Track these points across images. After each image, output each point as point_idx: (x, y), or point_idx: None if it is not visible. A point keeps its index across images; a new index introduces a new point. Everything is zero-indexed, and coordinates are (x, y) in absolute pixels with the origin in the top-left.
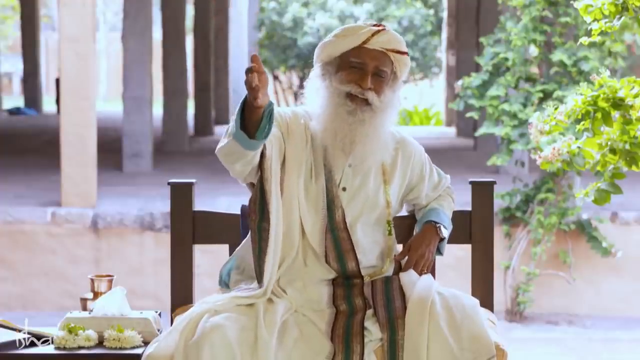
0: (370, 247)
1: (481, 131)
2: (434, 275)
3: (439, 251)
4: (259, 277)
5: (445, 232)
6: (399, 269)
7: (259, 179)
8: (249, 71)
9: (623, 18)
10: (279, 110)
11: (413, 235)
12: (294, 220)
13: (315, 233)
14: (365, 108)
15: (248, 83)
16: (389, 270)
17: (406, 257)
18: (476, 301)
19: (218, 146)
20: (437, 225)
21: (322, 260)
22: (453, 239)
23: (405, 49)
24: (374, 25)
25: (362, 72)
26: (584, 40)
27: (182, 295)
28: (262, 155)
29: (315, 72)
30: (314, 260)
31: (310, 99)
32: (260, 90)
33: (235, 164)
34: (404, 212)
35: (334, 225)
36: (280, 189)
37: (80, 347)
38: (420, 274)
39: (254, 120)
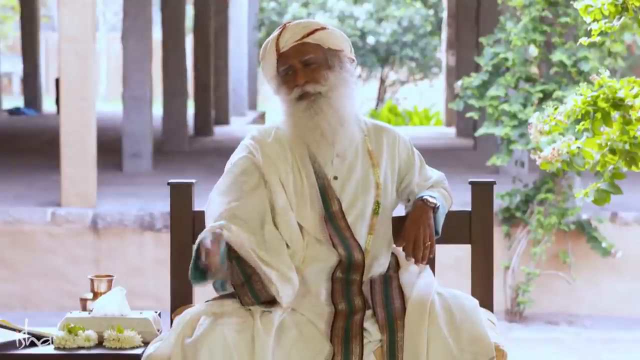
0: (360, 227)
1: (481, 131)
2: (433, 272)
3: (436, 230)
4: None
5: (436, 201)
6: (396, 264)
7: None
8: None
9: (623, 18)
10: (243, 143)
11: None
12: (293, 227)
13: (315, 225)
14: (314, 98)
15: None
16: (375, 256)
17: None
18: (476, 302)
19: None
20: (424, 197)
21: (325, 245)
22: (453, 239)
23: (315, 27)
24: (277, 30)
25: (293, 74)
26: (584, 40)
27: (182, 295)
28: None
29: (272, 90)
30: (315, 246)
31: (277, 110)
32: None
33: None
34: (402, 213)
35: (332, 215)
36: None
37: (80, 348)
38: (424, 251)
39: None
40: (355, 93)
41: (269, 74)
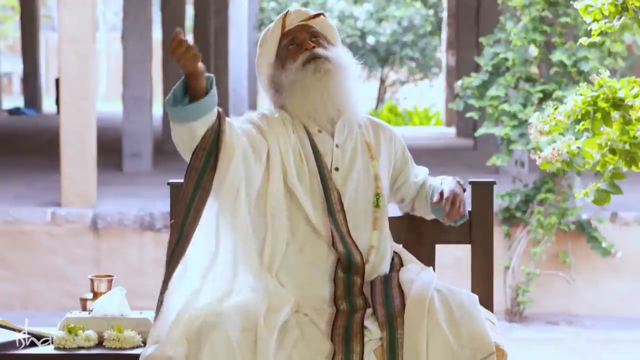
0: (364, 223)
1: (481, 131)
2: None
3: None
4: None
5: (463, 182)
6: (399, 264)
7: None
8: (179, 45)
9: (623, 18)
10: (249, 114)
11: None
12: (281, 212)
13: (318, 215)
14: (323, 61)
15: (187, 53)
16: (382, 253)
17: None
18: (475, 297)
19: (175, 141)
20: (455, 179)
21: (324, 243)
22: (453, 239)
23: (316, 13)
24: (281, 15)
25: (300, 44)
26: (584, 40)
27: None
28: (220, 130)
29: (267, 90)
30: (314, 245)
31: (276, 99)
32: (197, 56)
33: (192, 146)
34: (399, 213)
35: (332, 207)
36: (265, 185)
37: (80, 348)
38: (457, 211)
39: (199, 95)
40: (356, 73)
41: (266, 58)
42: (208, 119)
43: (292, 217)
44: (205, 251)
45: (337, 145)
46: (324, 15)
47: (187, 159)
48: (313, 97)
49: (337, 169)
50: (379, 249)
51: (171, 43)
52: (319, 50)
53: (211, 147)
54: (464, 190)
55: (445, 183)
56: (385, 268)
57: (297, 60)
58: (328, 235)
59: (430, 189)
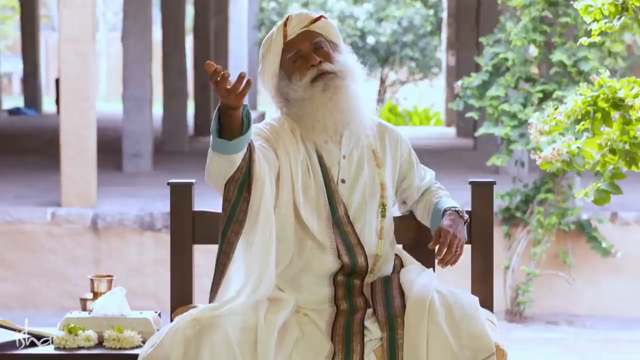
0: (369, 233)
1: (481, 131)
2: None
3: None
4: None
5: (466, 216)
6: (400, 266)
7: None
8: (216, 77)
9: (623, 18)
10: (257, 126)
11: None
12: (288, 227)
13: (322, 229)
14: (331, 76)
15: (224, 88)
16: (387, 259)
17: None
18: (475, 298)
19: (206, 174)
20: (457, 209)
21: (330, 255)
22: None
23: (317, 15)
24: (281, 22)
25: (305, 58)
26: (584, 40)
27: (182, 295)
28: (251, 160)
29: (274, 98)
30: (319, 257)
31: (283, 107)
32: (237, 89)
33: (227, 177)
34: (399, 213)
35: (338, 220)
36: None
37: (80, 348)
38: (455, 256)
39: (234, 127)
40: (362, 77)
41: (271, 69)
42: (245, 149)
43: (298, 232)
44: (234, 287)
45: (344, 157)
46: (324, 17)
47: (220, 190)
48: (323, 115)
49: (343, 181)
50: (384, 257)
51: (210, 76)
52: (326, 66)
53: (243, 178)
54: (465, 221)
55: (445, 223)
56: (387, 271)
57: (305, 76)
58: (333, 248)
59: (433, 205)
